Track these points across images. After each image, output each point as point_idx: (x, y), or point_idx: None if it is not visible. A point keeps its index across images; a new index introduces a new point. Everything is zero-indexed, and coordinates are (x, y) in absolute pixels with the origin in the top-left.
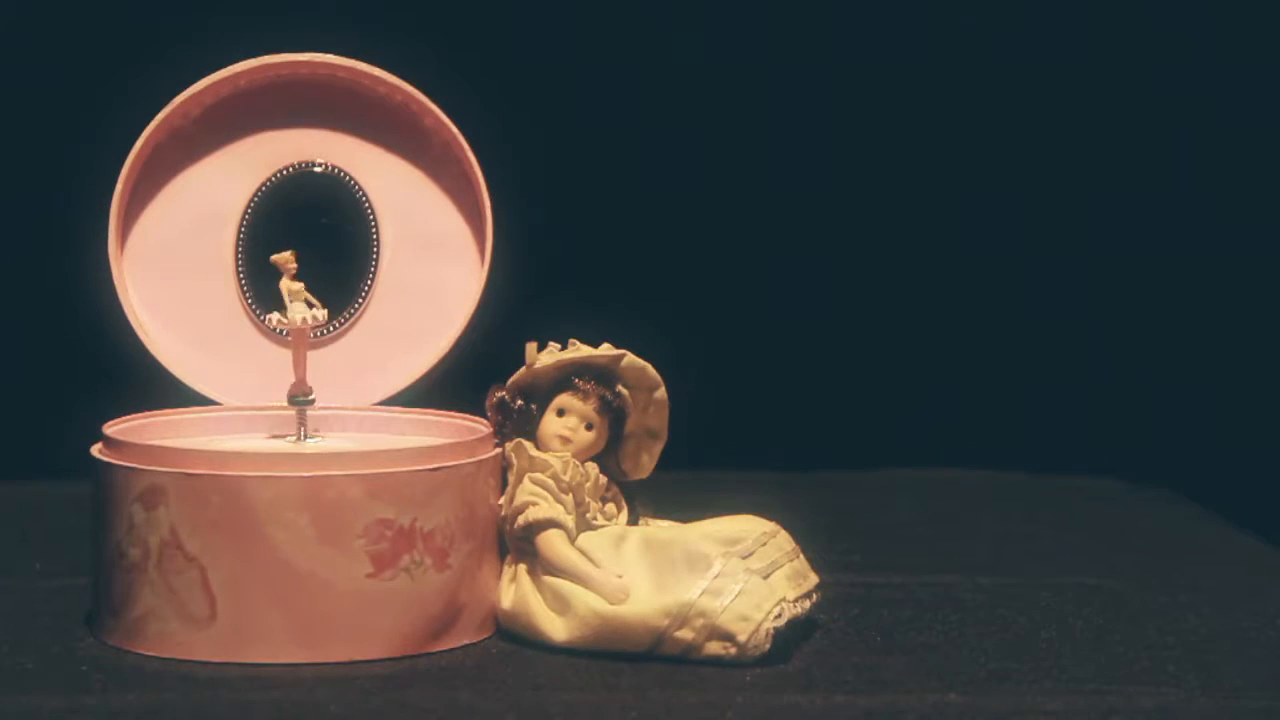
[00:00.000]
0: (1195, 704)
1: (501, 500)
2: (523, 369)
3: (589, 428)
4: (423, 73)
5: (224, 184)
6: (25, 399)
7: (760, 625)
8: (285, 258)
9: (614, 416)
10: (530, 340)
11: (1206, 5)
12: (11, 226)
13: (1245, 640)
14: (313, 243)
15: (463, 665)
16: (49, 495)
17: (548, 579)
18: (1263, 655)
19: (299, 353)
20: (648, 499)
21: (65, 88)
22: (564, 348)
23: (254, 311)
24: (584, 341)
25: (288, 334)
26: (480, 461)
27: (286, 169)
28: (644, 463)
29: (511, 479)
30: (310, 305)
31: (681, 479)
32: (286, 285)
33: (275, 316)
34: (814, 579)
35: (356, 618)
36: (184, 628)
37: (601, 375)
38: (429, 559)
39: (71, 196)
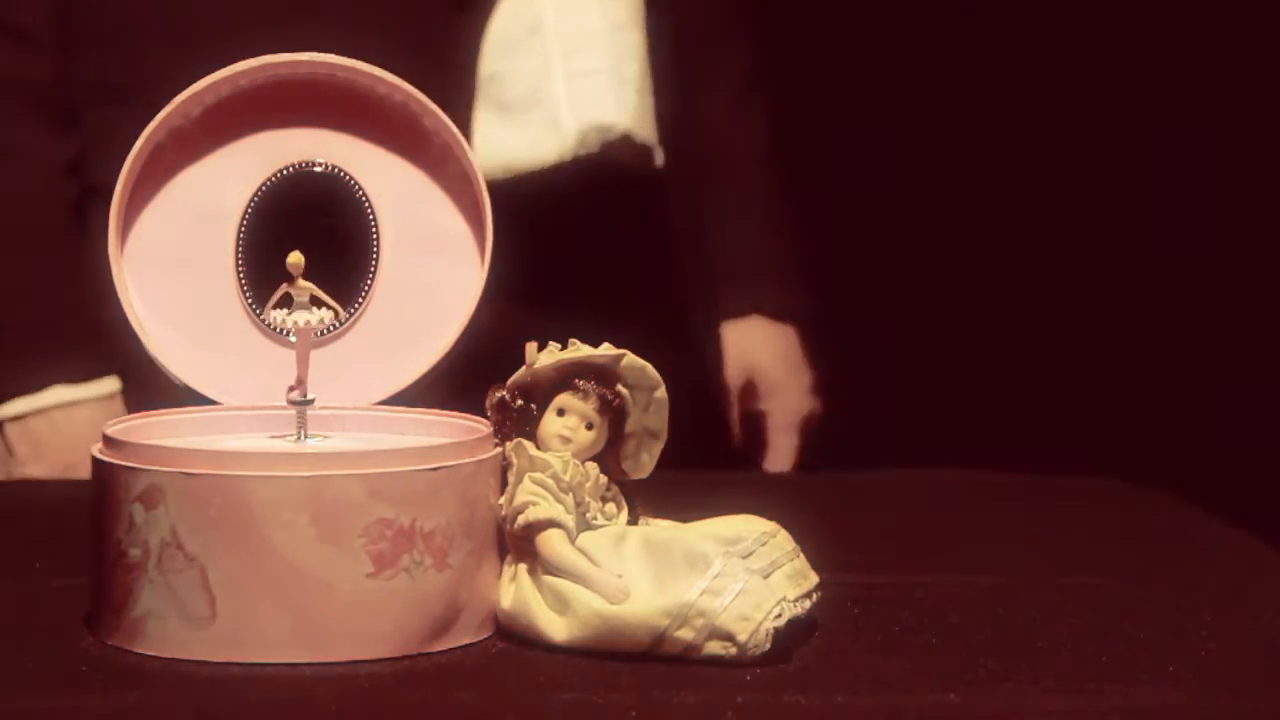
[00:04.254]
0: (1195, 704)
1: (501, 500)
2: (523, 369)
3: (589, 427)
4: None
5: (224, 184)
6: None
7: (760, 625)
8: (297, 262)
9: (614, 416)
10: (530, 340)
11: None
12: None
13: (1245, 640)
14: (313, 243)
15: (463, 665)
16: (49, 495)
17: (547, 579)
18: (1263, 655)
19: (302, 353)
20: (647, 499)
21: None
22: (564, 348)
23: (254, 311)
24: (584, 341)
25: (288, 333)
26: (480, 461)
27: (286, 169)
28: (644, 462)
29: (511, 479)
30: (318, 305)
31: (680, 479)
32: (292, 287)
33: (279, 315)
34: (814, 579)
35: (357, 617)
36: (184, 627)
37: (601, 375)
38: (429, 559)
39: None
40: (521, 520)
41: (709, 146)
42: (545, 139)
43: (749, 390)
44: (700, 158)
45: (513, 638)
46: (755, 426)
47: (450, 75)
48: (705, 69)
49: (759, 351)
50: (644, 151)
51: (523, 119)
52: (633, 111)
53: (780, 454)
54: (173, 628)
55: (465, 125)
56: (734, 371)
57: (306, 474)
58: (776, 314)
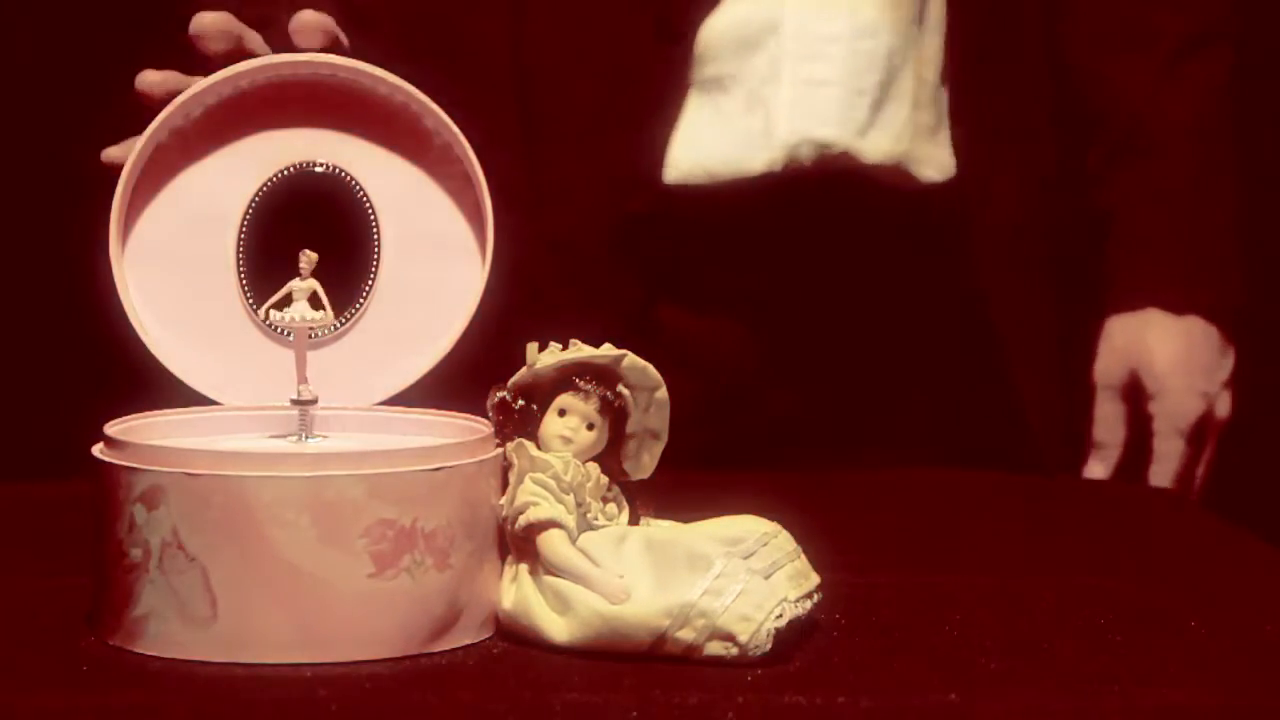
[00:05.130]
0: (1195, 704)
1: (502, 500)
2: (524, 369)
3: (590, 428)
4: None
5: (224, 184)
6: (26, 399)
7: (761, 625)
8: (308, 258)
9: (615, 416)
10: (531, 340)
11: None
12: (12, 226)
13: (1245, 640)
14: (313, 243)
15: (464, 665)
16: (49, 495)
17: (548, 579)
18: (1263, 655)
19: (300, 353)
20: (648, 499)
21: (68, 87)
22: (565, 348)
23: (254, 311)
24: (585, 342)
25: (286, 332)
26: (482, 462)
27: (287, 169)
28: (645, 463)
29: (512, 479)
30: (316, 307)
31: (682, 479)
32: (295, 284)
33: (277, 314)
34: (815, 579)
35: (358, 618)
36: (185, 628)
37: (602, 375)
38: (430, 559)
39: (72, 196)
40: (522, 520)
41: (1124, 120)
42: (754, 146)
43: (1135, 390)
44: (1111, 133)
45: (514, 638)
46: (1142, 430)
47: (651, 100)
48: (1132, 33)
49: (1149, 348)
50: (888, 169)
51: (734, 123)
52: (859, 126)
53: (1166, 462)
54: (174, 628)
55: (665, 137)
56: (1117, 368)
57: (308, 474)
58: (1177, 308)
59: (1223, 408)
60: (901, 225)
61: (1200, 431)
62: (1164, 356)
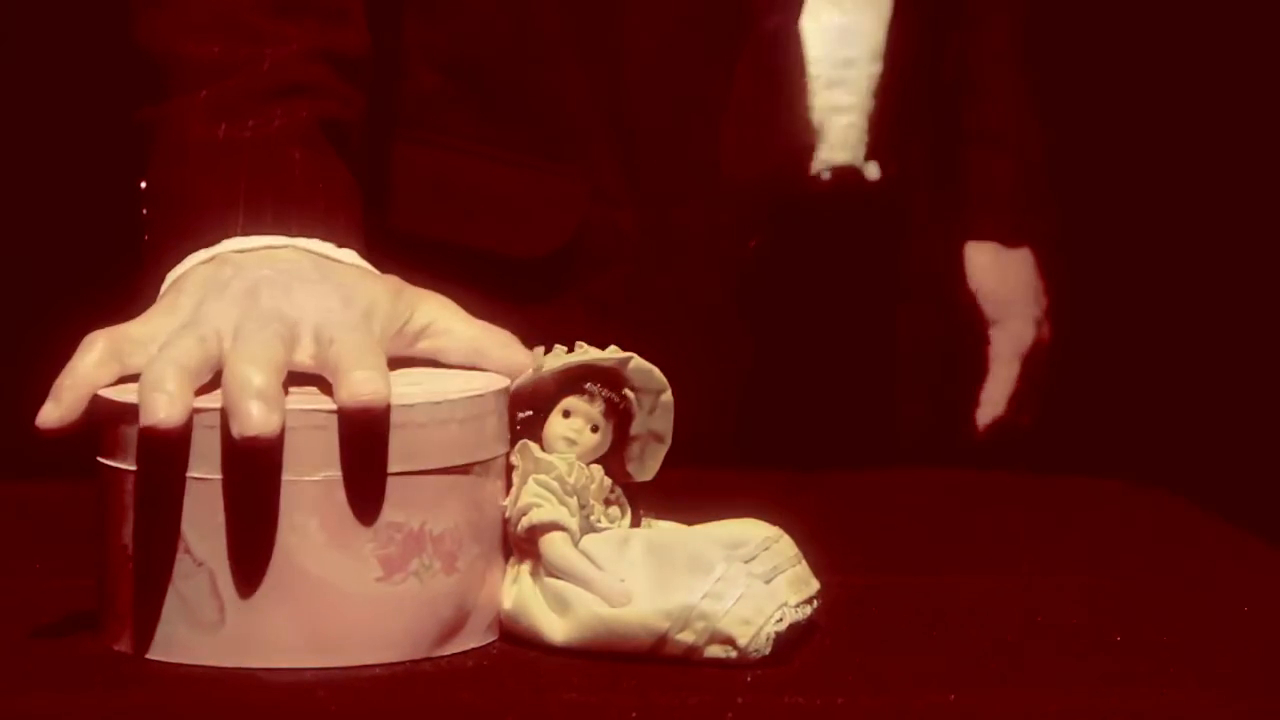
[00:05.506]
0: (1195, 704)
1: (505, 502)
2: (529, 371)
3: (594, 430)
4: None
5: None
6: (28, 398)
7: (761, 629)
8: None
9: (620, 419)
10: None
11: None
12: (12, 226)
13: (1245, 640)
14: None
15: (463, 666)
16: (51, 495)
17: (549, 580)
18: (1263, 655)
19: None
20: (650, 501)
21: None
22: (570, 350)
23: None
24: (590, 344)
25: None
26: (488, 464)
27: None
28: (648, 465)
29: (516, 480)
30: None
31: (683, 480)
32: None
33: None
34: (815, 584)
35: (366, 622)
36: (191, 632)
37: (607, 377)
38: (438, 562)
39: (72, 194)
40: (525, 522)
41: (957, 73)
42: (785, 171)
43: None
44: (954, 86)
45: (513, 639)
46: (976, 353)
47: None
48: None
49: (988, 276)
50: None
51: (766, 150)
52: (866, 148)
53: (1000, 383)
54: (180, 633)
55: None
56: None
57: (316, 477)
58: (1009, 239)
59: (1046, 332)
60: (887, 229)
61: (1035, 354)
62: (1004, 283)
